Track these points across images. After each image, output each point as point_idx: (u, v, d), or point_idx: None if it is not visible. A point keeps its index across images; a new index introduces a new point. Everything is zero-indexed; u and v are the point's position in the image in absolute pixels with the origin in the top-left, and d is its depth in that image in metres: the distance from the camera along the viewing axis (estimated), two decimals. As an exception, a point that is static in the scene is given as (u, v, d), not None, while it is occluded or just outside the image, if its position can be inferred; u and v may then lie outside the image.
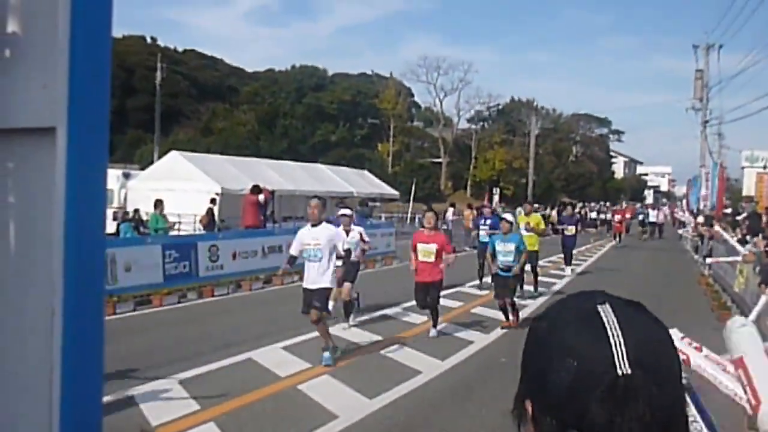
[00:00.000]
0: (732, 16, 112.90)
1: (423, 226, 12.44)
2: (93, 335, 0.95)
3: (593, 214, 51.66)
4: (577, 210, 52.10)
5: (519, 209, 23.88)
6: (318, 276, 9.80)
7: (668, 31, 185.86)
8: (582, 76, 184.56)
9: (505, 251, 13.15)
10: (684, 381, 1.02)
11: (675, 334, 3.58)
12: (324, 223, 10.08)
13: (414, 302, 12.27)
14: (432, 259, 11.78)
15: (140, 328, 11.99)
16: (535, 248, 16.94)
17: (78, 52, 0.91)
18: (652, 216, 46.80)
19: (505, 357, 10.52)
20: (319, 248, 9.71)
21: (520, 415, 1.05)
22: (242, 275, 17.43)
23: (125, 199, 26.60)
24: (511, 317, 12.94)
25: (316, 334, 10.68)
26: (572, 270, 22.30)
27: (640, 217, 48.73)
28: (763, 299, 10.42)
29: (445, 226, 30.55)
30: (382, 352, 10.71)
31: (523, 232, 15.94)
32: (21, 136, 0.95)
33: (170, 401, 7.96)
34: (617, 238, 38.29)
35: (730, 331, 3.98)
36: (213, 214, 22.30)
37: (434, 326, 11.99)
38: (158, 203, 19.49)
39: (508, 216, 14.61)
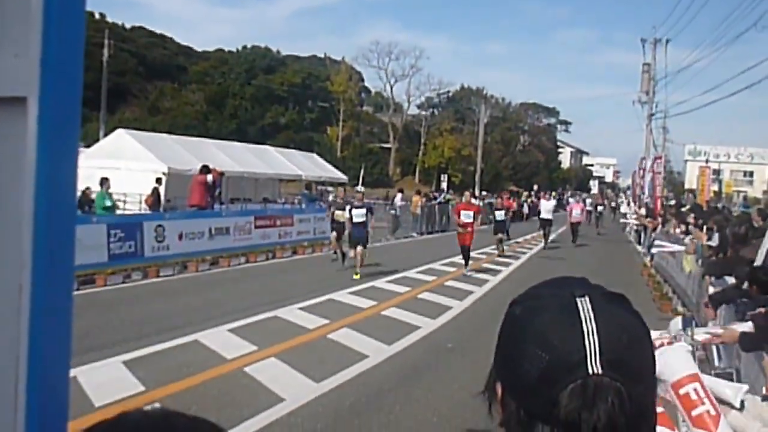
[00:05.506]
0: (679, 13, 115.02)
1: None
2: (62, 312, 0.93)
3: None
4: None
5: None
6: None
7: (620, 25, 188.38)
8: (533, 67, 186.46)
9: None
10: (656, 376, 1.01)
11: None
12: None
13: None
14: None
15: (84, 308, 11.77)
16: None
17: (52, 20, 0.88)
18: (545, 210, 29.12)
19: (452, 343, 10.62)
20: None
21: (491, 396, 1.04)
22: (188, 256, 17.22)
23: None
24: None
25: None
26: None
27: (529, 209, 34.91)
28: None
29: (393, 212, 30.58)
30: (329, 335, 10.70)
31: None
32: (-10, 106, 0.92)
33: (114, 382, 7.84)
34: (464, 260, 18.70)
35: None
36: (159, 194, 22.03)
37: None
38: (104, 181, 19.08)
39: None
